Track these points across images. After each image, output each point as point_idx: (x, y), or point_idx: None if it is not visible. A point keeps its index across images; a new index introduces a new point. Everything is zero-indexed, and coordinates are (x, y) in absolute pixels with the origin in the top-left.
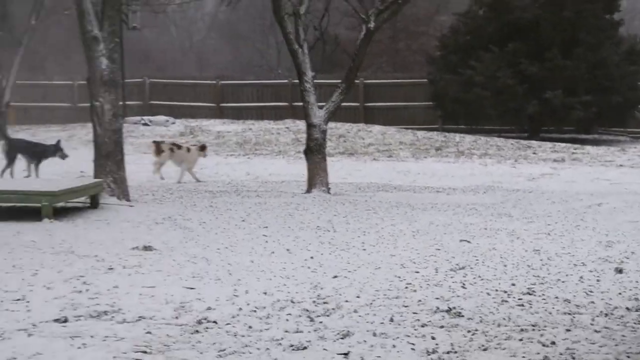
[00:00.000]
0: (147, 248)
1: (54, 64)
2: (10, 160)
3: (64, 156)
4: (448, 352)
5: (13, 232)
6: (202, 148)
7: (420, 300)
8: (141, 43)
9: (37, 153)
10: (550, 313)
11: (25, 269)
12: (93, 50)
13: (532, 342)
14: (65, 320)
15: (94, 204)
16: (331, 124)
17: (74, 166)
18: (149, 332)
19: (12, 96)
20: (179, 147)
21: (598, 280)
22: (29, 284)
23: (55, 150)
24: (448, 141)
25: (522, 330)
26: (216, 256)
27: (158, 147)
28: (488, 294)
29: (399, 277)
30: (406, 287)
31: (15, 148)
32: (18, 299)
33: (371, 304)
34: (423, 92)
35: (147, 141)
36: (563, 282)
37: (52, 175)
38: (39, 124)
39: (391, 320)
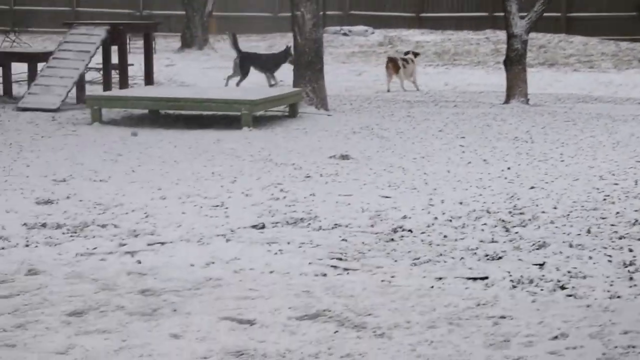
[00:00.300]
0: (344, 157)
1: None
2: (245, 74)
3: (294, 61)
4: None
5: (213, 139)
6: (416, 55)
7: (618, 213)
8: None
9: (269, 63)
10: None
11: (225, 176)
12: None
13: None
14: (263, 227)
15: (293, 112)
16: (532, 34)
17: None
18: (344, 240)
19: (214, 6)
20: (407, 61)
21: None
22: (228, 191)
23: (286, 56)
24: None
25: None
26: (412, 165)
27: (395, 64)
28: None
29: (597, 188)
30: (604, 199)
31: (248, 61)
32: (217, 205)
33: (568, 215)
34: (627, 1)
35: (346, 51)
36: None
37: (251, 85)
38: (238, 33)
39: (588, 232)
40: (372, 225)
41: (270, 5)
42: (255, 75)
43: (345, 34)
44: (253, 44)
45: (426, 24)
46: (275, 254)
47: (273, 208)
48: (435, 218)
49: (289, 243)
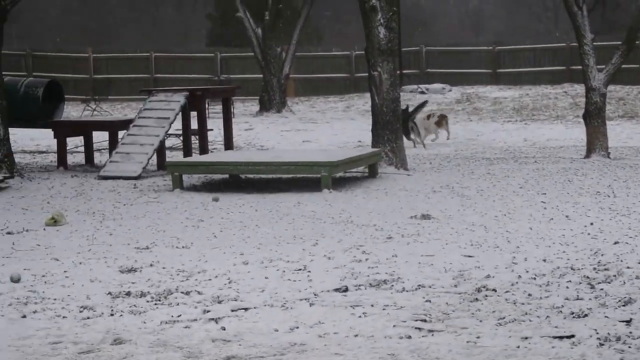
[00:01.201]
0: (425, 216)
1: (331, 35)
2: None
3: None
4: None
5: (294, 202)
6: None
7: None
8: (417, 11)
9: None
10: None
11: (306, 239)
12: (372, 20)
13: None
14: (346, 290)
15: (372, 173)
16: (610, 87)
17: (352, 136)
18: (428, 301)
19: (291, 68)
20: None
21: None
22: (310, 254)
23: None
24: None
25: None
26: (494, 223)
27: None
28: None
29: None
30: None
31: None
32: (299, 269)
33: None
34: None
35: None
36: None
37: (330, 146)
38: (317, 95)
39: None
40: (455, 285)
41: (347, 66)
42: (340, 136)
43: (422, 92)
44: (331, 104)
45: (503, 79)
46: (359, 317)
47: (355, 270)
48: (519, 276)
49: (372, 305)
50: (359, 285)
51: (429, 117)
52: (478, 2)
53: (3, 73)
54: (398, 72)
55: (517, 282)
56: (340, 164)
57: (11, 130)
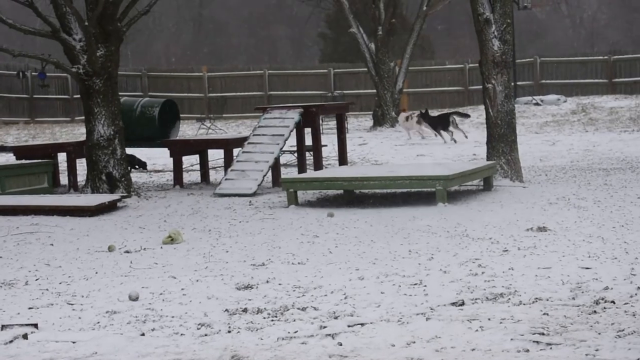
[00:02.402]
0: (541, 229)
1: (444, 49)
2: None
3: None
4: None
5: (409, 217)
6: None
7: None
8: (531, 22)
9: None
10: None
11: (422, 254)
12: (485, 33)
13: None
14: (462, 304)
15: (488, 186)
16: None
17: (467, 149)
18: (545, 314)
19: (405, 82)
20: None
21: None
22: (425, 268)
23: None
24: None
25: None
26: (612, 235)
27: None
28: None
29: None
30: None
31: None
32: (415, 284)
33: None
34: None
35: (539, 121)
36: None
37: (444, 159)
38: (430, 108)
39: None
40: (573, 298)
41: (461, 79)
42: (454, 149)
43: (537, 104)
44: None
45: (619, 89)
46: (476, 330)
47: (472, 284)
48: (638, 288)
49: (489, 319)
50: (476, 299)
51: (407, 118)
52: (592, 11)
53: (119, 93)
54: (512, 84)
55: (636, 294)
56: (455, 177)
57: (128, 150)
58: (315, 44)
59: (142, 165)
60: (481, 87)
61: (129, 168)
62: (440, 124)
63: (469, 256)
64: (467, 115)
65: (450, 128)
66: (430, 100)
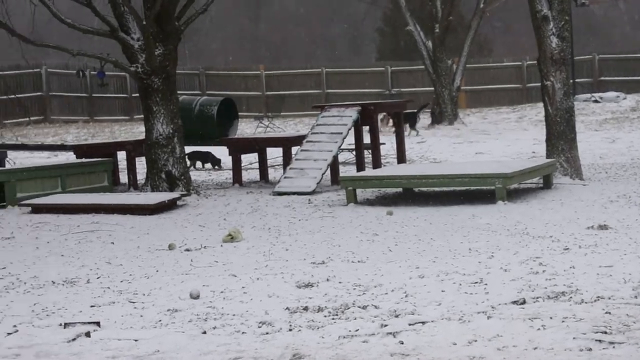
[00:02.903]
0: (602, 227)
1: (502, 46)
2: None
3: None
4: None
5: (468, 215)
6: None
7: None
8: (588, 19)
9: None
10: None
11: (482, 252)
12: (543, 30)
13: None
14: (523, 302)
15: (547, 184)
16: None
17: (525, 147)
18: (608, 312)
19: (462, 80)
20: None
21: None
22: (485, 267)
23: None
24: None
25: None
26: None
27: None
28: None
29: None
30: None
31: None
32: (476, 282)
33: None
34: None
35: (598, 118)
36: None
37: (503, 157)
38: (488, 106)
39: None
40: (635, 296)
41: (519, 76)
42: (513, 147)
43: (596, 101)
44: (503, 115)
45: None
46: (538, 329)
47: (533, 282)
48: None
49: (551, 318)
50: (537, 298)
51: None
52: None
53: (178, 92)
54: (571, 81)
55: None
56: (514, 175)
57: (187, 149)
58: (372, 42)
59: (217, 163)
60: (539, 84)
61: (202, 165)
62: (408, 121)
63: (529, 254)
64: (428, 105)
65: (417, 126)
66: (488, 98)
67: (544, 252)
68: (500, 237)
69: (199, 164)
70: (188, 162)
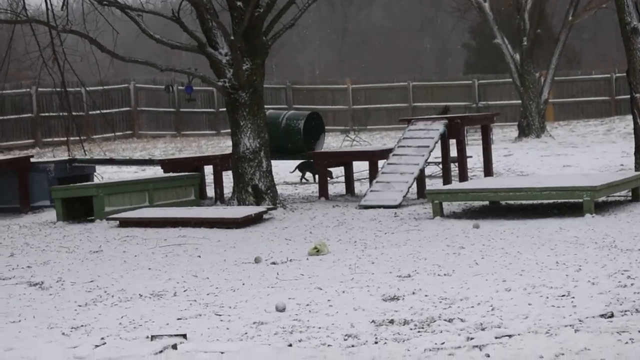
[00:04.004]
0: None
1: (590, 58)
2: None
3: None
4: None
5: (555, 228)
6: None
7: None
8: None
9: None
10: None
11: (569, 265)
12: (632, 42)
13: None
14: (611, 315)
15: (636, 196)
16: None
17: (613, 160)
18: None
19: (550, 92)
20: None
21: None
22: (573, 280)
23: None
24: None
25: None
26: None
27: None
28: None
29: None
30: None
31: None
32: (563, 295)
33: None
34: None
35: None
36: None
37: (590, 170)
38: (576, 119)
39: None
40: None
41: (607, 88)
42: (601, 160)
43: None
44: (591, 128)
45: None
46: (626, 343)
47: (621, 296)
48: None
49: (639, 331)
50: (625, 311)
51: None
52: None
53: (265, 106)
54: None
55: None
56: (602, 188)
57: (273, 162)
58: (459, 55)
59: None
60: (629, 96)
61: (313, 175)
62: None
63: (617, 267)
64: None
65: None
66: (576, 110)
67: (632, 265)
68: (587, 250)
69: (308, 174)
70: (298, 172)
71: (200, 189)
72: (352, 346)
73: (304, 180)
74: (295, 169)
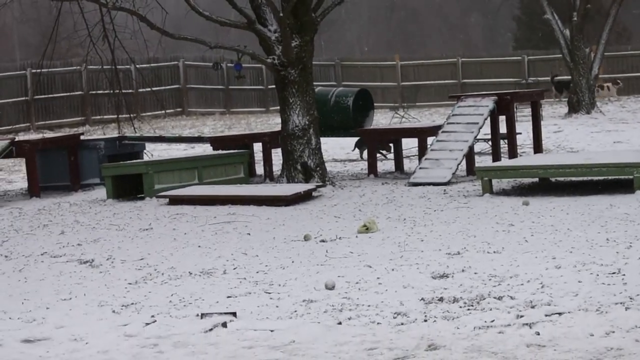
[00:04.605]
0: None
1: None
2: None
3: None
4: None
5: (605, 205)
6: None
7: None
8: None
9: None
10: None
11: (620, 242)
12: None
13: None
14: None
15: None
16: None
17: None
18: None
19: (600, 68)
20: None
21: None
22: (623, 257)
23: None
24: None
25: None
26: None
27: None
28: None
29: None
30: None
31: None
32: (613, 273)
33: None
34: None
35: None
36: None
37: None
38: (627, 94)
39: None
40: None
41: None
42: None
43: None
44: None
45: None
46: None
47: None
48: None
49: None
50: None
51: None
52: None
53: (314, 83)
54: None
55: None
56: None
57: (322, 140)
58: (509, 30)
59: (386, 150)
60: None
61: (362, 154)
62: None
63: None
64: None
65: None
66: (627, 85)
67: None
68: (638, 227)
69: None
70: (357, 149)
71: (249, 166)
72: (402, 324)
73: (362, 157)
74: (355, 146)
